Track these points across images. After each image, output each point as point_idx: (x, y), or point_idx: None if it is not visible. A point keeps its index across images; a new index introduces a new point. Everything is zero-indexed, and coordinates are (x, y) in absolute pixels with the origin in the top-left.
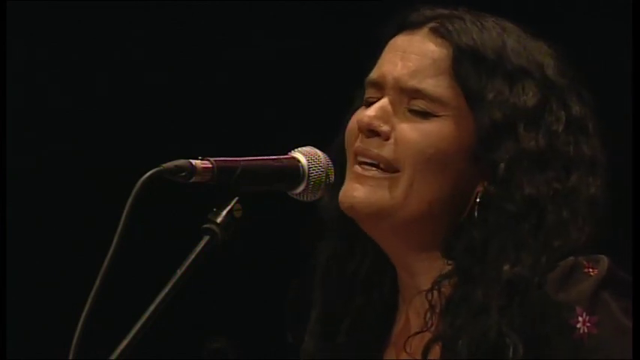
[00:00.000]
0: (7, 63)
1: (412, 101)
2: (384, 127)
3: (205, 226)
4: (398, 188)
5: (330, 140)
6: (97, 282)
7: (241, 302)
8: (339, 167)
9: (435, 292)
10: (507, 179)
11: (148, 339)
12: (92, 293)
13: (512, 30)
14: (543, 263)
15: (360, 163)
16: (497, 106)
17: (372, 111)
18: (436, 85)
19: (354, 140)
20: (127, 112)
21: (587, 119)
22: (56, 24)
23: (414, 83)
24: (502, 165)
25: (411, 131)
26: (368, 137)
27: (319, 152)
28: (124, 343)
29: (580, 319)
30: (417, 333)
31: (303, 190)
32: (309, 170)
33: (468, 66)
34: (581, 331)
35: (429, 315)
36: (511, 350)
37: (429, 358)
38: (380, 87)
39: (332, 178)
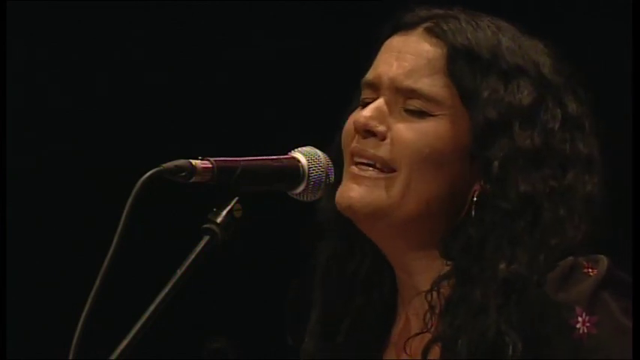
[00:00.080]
0: (7, 63)
1: (408, 101)
2: (380, 128)
3: (205, 226)
4: (395, 188)
5: (330, 140)
6: (97, 282)
7: (241, 302)
8: (338, 167)
9: (434, 293)
10: (502, 177)
11: (148, 339)
12: (92, 293)
13: (508, 29)
14: (540, 261)
15: (357, 164)
16: (492, 104)
17: (368, 111)
18: (431, 84)
19: (350, 141)
20: (127, 112)
21: (583, 117)
22: (56, 24)
23: (409, 83)
24: (496, 163)
25: (407, 131)
26: (364, 138)
27: (319, 152)
28: (124, 343)
29: (580, 319)
30: (417, 334)
31: (303, 190)
32: (309, 170)
33: (462, 65)
34: (581, 331)
35: (428, 316)
36: (510, 349)
37: (428, 358)
38: (376, 87)
39: (332, 178)
